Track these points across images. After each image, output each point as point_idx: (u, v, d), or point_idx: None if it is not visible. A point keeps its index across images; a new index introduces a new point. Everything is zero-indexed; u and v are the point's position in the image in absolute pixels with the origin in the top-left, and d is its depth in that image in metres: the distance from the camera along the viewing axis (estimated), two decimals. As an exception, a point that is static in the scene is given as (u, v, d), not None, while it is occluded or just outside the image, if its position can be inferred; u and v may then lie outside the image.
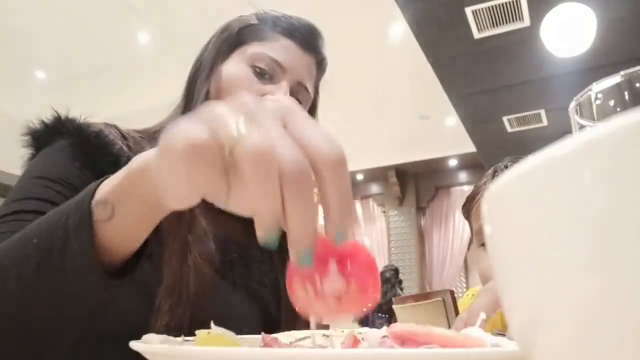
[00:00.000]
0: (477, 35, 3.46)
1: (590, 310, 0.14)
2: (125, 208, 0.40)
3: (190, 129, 0.31)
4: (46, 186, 0.61)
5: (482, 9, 3.22)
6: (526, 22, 3.32)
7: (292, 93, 0.75)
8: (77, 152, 0.64)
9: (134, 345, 0.32)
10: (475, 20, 3.33)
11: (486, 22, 3.35)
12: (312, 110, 0.83)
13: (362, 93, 4.94)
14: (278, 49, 0.75)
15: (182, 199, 0.33)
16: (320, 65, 0.81)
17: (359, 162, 6.77)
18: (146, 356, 0.32)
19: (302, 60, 0.76)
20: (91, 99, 4.68)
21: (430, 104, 5.09)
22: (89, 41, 4.14)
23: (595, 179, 0.13)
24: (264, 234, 0.30)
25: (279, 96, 0.33)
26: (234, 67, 0.74)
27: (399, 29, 3.90)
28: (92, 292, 0.43)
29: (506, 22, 3.35)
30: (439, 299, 2.31)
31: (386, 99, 5.11)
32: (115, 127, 0.72)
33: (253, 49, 0.75)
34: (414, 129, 5.89)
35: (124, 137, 0.70)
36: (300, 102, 0.77)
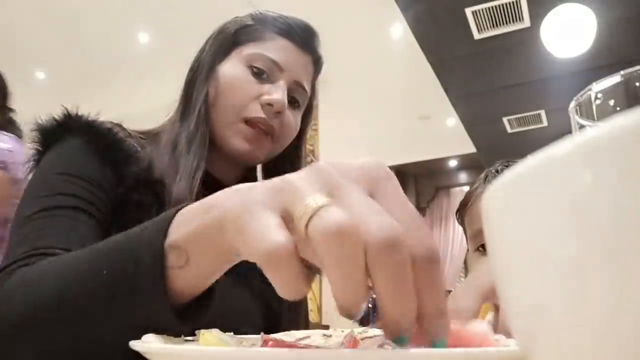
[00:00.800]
0: (477, 35, 3.46)
1: (591, 310, 0.14)
2: (199, 257, 0.38)
3: (269, 229, 0.27)
4: (71, 182, 0.61)
5: (482, 9, 3.22)
6: (526, 22, 3.33)
7: (289, 92, 0.76)
8: (92, 149, 0.65)
9: (134, 345, 0.32)
10: (476, 21, 3.33)
11: (486, 23, 3.35)
12: (309, 109, 0.84)
13: (362, 93, 4.94)
14: (275, 48, 0.75)
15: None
16: (316, 64, 0.82)
17: (359, 162, 6.76)
18: (146, 356, 0.32)
19: (299, 59, 0.77)
20: (91, 100, 4.68)
21: (430, 104, 5.10)
22: (89, 41, 4.15)
23: (595, 179, 0.13)
24: (348, 316, 0.26)
25: (366, 160, 0.28)
26: (232, 68, 0.75)
27: (399, 29, 3.91)
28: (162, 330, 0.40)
29: (506, 23, 3.35)
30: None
31: (386, 99, 5.11)
32: (120, 125, 0.73)
33: (250, 49, 0.75)
34: (414, 129, 5.89)
35: (129, 135, 0.72)
36: (297, 101, 0.78)
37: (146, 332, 0.37)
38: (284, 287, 0.27)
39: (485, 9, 3.21)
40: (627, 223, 0.13)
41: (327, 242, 0.24)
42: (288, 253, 0.26)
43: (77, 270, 0.43)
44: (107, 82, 4.69)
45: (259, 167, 0.86)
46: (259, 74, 0.74)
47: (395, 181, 0.29)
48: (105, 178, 0.64)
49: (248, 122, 0.73)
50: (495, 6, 3.19)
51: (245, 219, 0.29)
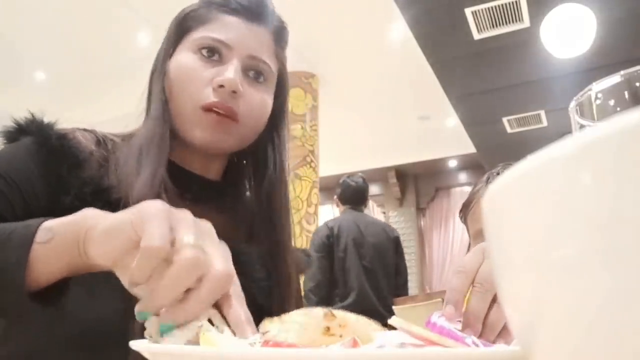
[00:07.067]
0: (477, 36, 3.46)
1: (590, 309, 0.14)
2: (61, 241, 0.48)
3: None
4: None
5: (482, 9, 3.22)
6: (526, 22, 3.33)
7: (247, 68, 0.72)
8: (36, 150, 0.64)
9: (134, 344, 0.32)
10: (475, 21, 3.33)
11: (486, 23, 3.35)
12: (281, 84, 0.79)
13: (362, 93, 4.94)
14: (219, 28, 0.72)
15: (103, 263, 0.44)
16: (277, 34, 0.77)
17: (359, 162, 6.77)
18: (146, 356, 0.32)
19: (249, 33, 0.73)
20: (91, 100, 4.69)
21: (430, 104, 5.09)
22: (88, 41, 4.14)
23: (595, 178, 0.13)
24: (142, 311, 0.39)
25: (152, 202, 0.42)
26: (182, 58, 0.72)
27: (399, 30, 3.90)
28: (8, 302, 0.49)
29: (506, 23, 3.35)
30: (439, 299, 2.31)
31: (386, 100, 5.11)
32: (94, 132, 0.72)
33: (196, 34, 0.73)
34: (414, 129, 5.89)
35: (98, 142, 0.70)
36: (260, 74, 0.74)
37: None
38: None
39: (485, 9, 3.21)
40: (626, 223, 0.13)
41: (180, 268, 0.39)
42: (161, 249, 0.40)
43: None
44: (107, 82, 4.68)
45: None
46: (209, 57, 0.71)
47: (185, 212, 0.44)
48: (34, 184, 0.63)
49: (205, 109, 0.69)
50: (495, 6, 3.19)
51: (110, 231, 0.44)
